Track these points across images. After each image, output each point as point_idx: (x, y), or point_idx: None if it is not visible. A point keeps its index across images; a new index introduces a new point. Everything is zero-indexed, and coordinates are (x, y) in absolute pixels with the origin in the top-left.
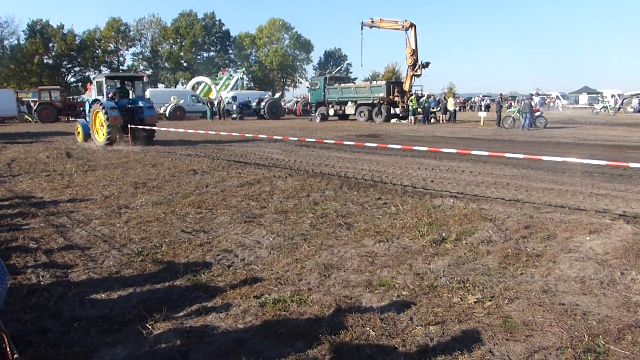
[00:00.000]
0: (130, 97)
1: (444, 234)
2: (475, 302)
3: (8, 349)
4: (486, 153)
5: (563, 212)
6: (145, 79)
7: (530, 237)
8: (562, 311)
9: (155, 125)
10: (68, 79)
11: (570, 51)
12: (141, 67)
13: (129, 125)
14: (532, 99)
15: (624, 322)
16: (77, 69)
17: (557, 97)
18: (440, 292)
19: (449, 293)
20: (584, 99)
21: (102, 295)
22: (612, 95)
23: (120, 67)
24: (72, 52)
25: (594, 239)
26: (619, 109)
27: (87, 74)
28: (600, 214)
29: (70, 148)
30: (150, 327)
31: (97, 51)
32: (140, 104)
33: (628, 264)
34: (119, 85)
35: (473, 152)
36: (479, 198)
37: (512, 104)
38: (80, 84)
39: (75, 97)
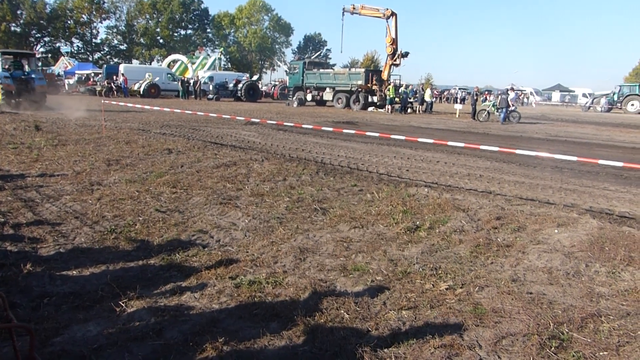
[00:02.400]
0: (25, 70)
1: (418, 222)
2: (446, 289)
3: (7, 312)
4: (462, 144)
5: (533, 205)
6: (37, 56)
7: (501, 228)
8: (530, 300)
9: (45, 95)
10: (37, 49)
11: (546, 48)
12: (115, 41)
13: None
14: (508, 94)
15: (586, 311)
16: (46, 39)
17: (531, 93)
18: (413, 278)
19: (422, 279)
20: (556, 96)
21: (74, 272)
22: (584, 95)
23: (93, 40)
24: (41, 22)
25: (562, 232)
26: (589, 107)
27: (57, 45)
28: (568, 208)
29: (39, 121)
30: (123, 304)
31: (69, 22)
32: (33, 75)
33: (593, 256)
34: (13, 60)
35: (449, 143)
36: (452, 188)
37: (488, 97)
38: (50, 55)
39: (44, 68)
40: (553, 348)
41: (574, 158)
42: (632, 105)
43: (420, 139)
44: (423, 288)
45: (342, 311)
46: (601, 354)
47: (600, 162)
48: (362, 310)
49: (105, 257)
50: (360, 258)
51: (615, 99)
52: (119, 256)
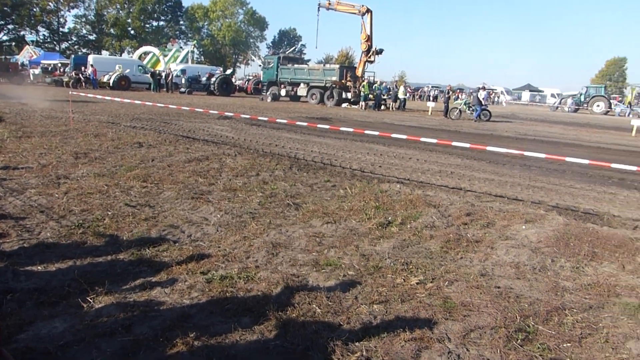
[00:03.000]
0: None
1: (390, 218)
2: (417, 283)
3: None
4: (434, 141)
5: (502, 201)
6: None
7: (471, 224)
8: (498, 294)
9: None
10: (0, 36)
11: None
12: (84, 31)
13: None
14: (480, 93)
15: (552, 304)
16: (10, 26)
17: (502, 93)
18: (385, 273)
19: (393, 274)
20: (526, 95)
21: (39, 268)
22: (552, 95)
23: (61, 29)
24: (5, 8)
25: (529, 228)
26: (557, 107)
27: (22, 33)
28: (535, 205)
29: (1, 112)
30: (91, 300)
31: (35, 9)
32: None
33: (558, 252)
34: None
35: (422, 140)
36: (424, 185)
37: (460, 96)
38: (14, 43)
39: (7, 57)
40: (519, 340)
41: (542, 155)
42: (598, 106)
43: (393, 136)
44: (394, 282)
45: (314, 306)
46: (565, 345)
47: (567, 159)
48: (334, 304)
49: (72, 252)
50: (332, 253)
51: (582, 99)
52: (87, 251)
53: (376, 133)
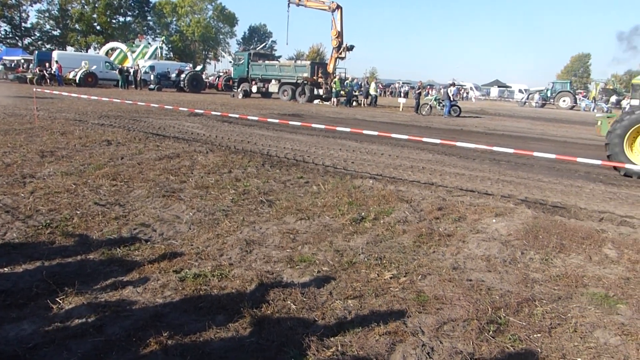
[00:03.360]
0: None
1: (363, 213)
2: (391, 278)
3: None
4: (405, 137)
5: (473, 196)
6: None
7: (443, 218)
8: (469, 286)
9: None
10: None
11: (485, 45)
12: (47, 26)
13: None
14: (450, 89)
15: (522, 296)
16: None
17: (471, 88)
18: (359, 268)
19: (367, 269)
20: (494, 91)
21: (5, 269)
22: (520, 90)
23: (23, 24)
24: None
25: (499, 222)
26: (525, 103)
27: None
28: (505, 198)
29: None
30: (60, 301)
31: None
32: None
33: (528, 244)
34: None
35: (393, 135)
36: (396, 180)
37: (430, 92)
38: None
39: None
40: (491, 332)
41: (511, 150)
42: (564, 101)
43: (365, 132)
44: (368, 277)
45: (289, 302)
46: (535, 336)
47: (535, 154)
48: (309, 300)
49: (40, 252)
50: (306, 249)
51: (549, 95)
52: (55, 251)
53: (348, 129)
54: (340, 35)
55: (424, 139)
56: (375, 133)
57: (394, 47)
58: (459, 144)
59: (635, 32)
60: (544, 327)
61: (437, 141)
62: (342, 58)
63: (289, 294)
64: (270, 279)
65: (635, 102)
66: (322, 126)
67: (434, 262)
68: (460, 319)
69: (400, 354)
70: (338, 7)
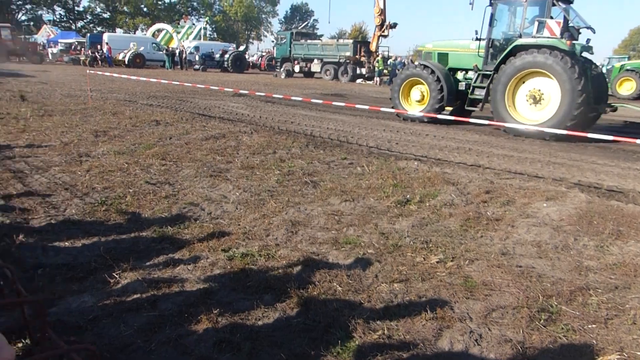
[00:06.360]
0: None
1: (408, 196)
2: (437, 262)
3: (17, 285)
4: (452, 118)
5: (522, 178)
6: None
7: (491, 201)
8: (519, 273)
9: None
10: (19, 17)
11: None
12: (98, 9)
13: None
14: None
15: (575, 284)
16: (28, 6)
17: None
18: (404, 252)
19: (413, 253)
20: None
21: (66, 243)
22: None
23: (76, 8)
24: None
25: (551, 206)
26: None
27: (39, 12)
28: (556, 182)
29: (24, 91)
30: (117, 276)
31: None
32: None
33: (581, 230)
34: None
35: (439, 117)
36: (442, 162)
37: None
38: (32, 23)
39: (26, 36)
40: (542, 320)
41: (560, 132)
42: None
43: (439, 116)
44: (414, 261)
45: (335, 284)
46: (590, 326)
47: (590, 135)
48: (355, 282)
49: (96, 229)
50: (351, 231)
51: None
52: (111, 228)
53: (392, 110)
54: (383, 12)
55: (471, 120)
56: (420, 114)
57: (439, 25)
58: (507, 125)
59: None
60: (599, 318)
61: (485, 122)
62: (385, 36)
63: (334, 275)
64: (315, 260)
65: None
66: (366, 107)
67: (481, 247)
68: (510, 306)
69: (448, 339)
70: None
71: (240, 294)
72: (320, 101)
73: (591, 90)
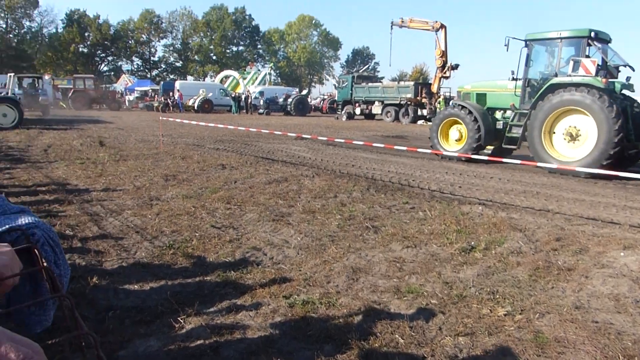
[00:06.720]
0: (37, 88)
1: (472, 243)
2: (505, 315)
3: (77, 318)
4: (518, 162)
5: (595, 225)
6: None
7: (562, 249)
8: (596, 329)
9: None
10: (101, 67)
11: None
12: (171, 59)
13: None
14: None
15: None
16: (110, 58)
17: None
18: (470, 303)
19: (478, 304)
20: None
21: (135, 286)
22: None
23: (151, 58)
24: (106, 42)
25: (629, 255)
26: None
27: (119, 63)
28: (634, 228)
29: (103, 137)
30: (182, 321)
31: (130, 42)
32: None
33: None
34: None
35: (504, 160)
36: (508, 206)
37: None
38: (112, 73)
39: (107, 85)
40: None
41: (596, 170)
42: None
43: (472, 155)
44: (480, 313)
45: (397, 335)
46: None
47: (621, 174)
48: (417, 335)
49: (164, 272)
50: (414, 279)
51: None
52: (177, 272)
53: (455, 154)
54: (444, 54)
55: (539, 164)
56: (485, 158)
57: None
58: (578, 168)
59: None
60: None
61: (554, 166)
62: (447, 77)
63: (396, 326)
64: (377, 310)
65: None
66: (428, 150)
67: (553, 299)
68: None
69: None
70: (442, 26)
71: (300, 343)
72: (381, 144)
73: (632, 128)
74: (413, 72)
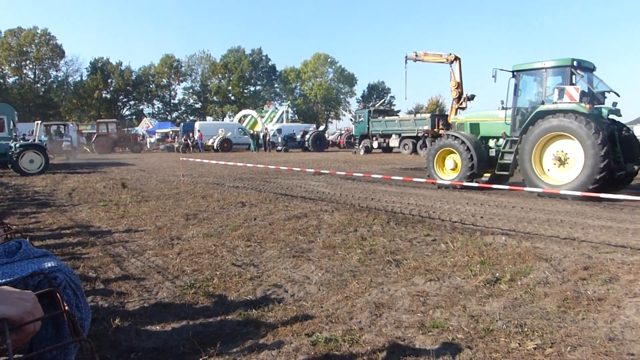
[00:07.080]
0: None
1: (497, 274)
2: (534, 349)
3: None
4: (540, 190)
5: (624, 252)
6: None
7: (590, 279)
8: None
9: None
10: (123, 112)
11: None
12: (191, 101)
13: None
14: None
15: None
16: (132, 102)
17: None
18: (497, 337)
19: (506, 338)
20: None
21: (157, 327)
22: None
23: (172, 101)
24: (128, 87)
25: None
26: None
27: (140, 107)
28: None
29: (125, 179)
30: None
31: (151, 86)
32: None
33: None
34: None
35: (526, 189)
36: (532, 236)
37: None
38: (134, 116)
39: (129, 129)
40: None
41: (579, 193)
42: None
43: (493, 186)
44: (508, 347)
45: None
46: None
47: (602, 195)
48: None
49: (185, 312)
50: (438, 314)
51: None
52: (199, 311)
53: (475, 184)
54: (460, 85)
55: (561, 192)
56: (506, 187)
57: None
58: (602, 195)
59: None
60: None
61: (577, 193)
62: (463, 108)
63: None
64: (401, 346)
65: None
66: (447, 182)
67: (584, 331)
68: None
69: None
70: (456, 58)
71: None
72: (400, 177)
73: (620, 151)
74: (429, 105)
